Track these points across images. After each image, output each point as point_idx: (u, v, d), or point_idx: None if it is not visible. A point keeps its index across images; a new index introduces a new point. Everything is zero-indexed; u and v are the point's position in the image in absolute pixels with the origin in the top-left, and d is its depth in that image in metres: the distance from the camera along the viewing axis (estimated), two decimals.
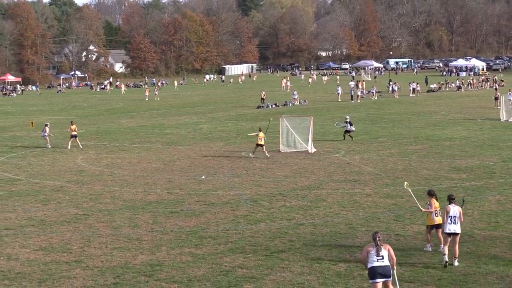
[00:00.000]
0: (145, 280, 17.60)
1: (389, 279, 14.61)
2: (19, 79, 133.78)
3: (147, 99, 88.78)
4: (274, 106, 71.67)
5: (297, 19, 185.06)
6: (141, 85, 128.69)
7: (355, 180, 30.59)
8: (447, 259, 18.16)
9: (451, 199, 18.49)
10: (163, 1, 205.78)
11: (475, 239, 20.88)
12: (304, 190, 28.77)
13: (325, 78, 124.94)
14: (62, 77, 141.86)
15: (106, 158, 39.09)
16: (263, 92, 75.15)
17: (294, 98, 75.09)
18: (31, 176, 33.67)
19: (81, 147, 43.28)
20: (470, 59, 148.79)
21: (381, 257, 14.52)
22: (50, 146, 43.77)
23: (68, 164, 37.18)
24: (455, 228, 18.18)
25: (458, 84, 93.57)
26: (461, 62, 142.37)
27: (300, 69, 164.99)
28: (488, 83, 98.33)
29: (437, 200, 19.51)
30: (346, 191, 28.39)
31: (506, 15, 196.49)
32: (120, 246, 20.81)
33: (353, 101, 76.10)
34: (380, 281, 14.51)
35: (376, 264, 14.51)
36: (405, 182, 20.46)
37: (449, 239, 18.22)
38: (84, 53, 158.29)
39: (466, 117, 56.94)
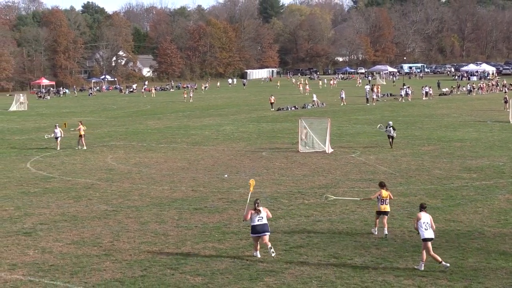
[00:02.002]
0: (171, 273, 17.65)
1: (267, 233, 18.63)
2: (53, 83, 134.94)
3: (185, 100, 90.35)
4: (293, 108, 71.55)
5: (316, 26, 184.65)
6: (168, 89, 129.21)
7: (370, 179, 30.48)
8: (422, 267, 17.52)
9: (422, 207, 18.06)
10: (188, 9, 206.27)
11: (485, 236, 20.74)
12: (321, 188, 28.70)
13: (360, 80, 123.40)
14: (93, 80, 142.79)
15: (134, 157, 39.24)
16: (273, 97, 73.61)
17: (314, 101, 74.92)
18: (64, 174, 33.87)
19: (85, 148, 43.07)
20: (481, 64, 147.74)
21: (261, 218, 18.59)
22: (59, 148, 43.03)
23: (98, 163, 37.36)
24: (428, 233, 17.71)
25: (469, 88, 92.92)
26: (472, 67, 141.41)
27: (318, 73, 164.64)
28: (498, 87, 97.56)
29: (386, 190, 21.09)
30: (361, 189, 28.29)
31: None
32: (147, 240, 20.89)
33: (368, 104, 75.79)
34: (261, 235, 18.55)
35: (257, 223, 18.56)
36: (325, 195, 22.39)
37: (428, 244, 17.66)
38: (114, 58, 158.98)
39: (477, 120, 56.56)
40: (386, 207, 21.01)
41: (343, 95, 77.78)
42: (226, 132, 51.50)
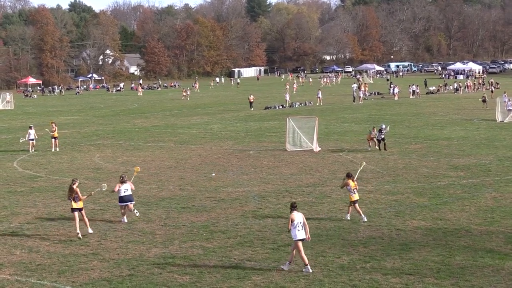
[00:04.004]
0: (159, 272, 17.63)
1: (132, 202, 23.22)
2: (40, 82, 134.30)
3: (183, 99, 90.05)
4: (281, 107, 71.54)
5: (303, 25, 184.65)
6: (155, 87, 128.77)
7: (357, 178, 30.36)
8: (310, 270, 17.43)
9: (293, 207, 17.80)
10: (175, 8, 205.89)
11: (472, 234, 20.83)
12: (309, 187, 28.75)
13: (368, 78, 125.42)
14: (80, 79, 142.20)
15: (121, 156, 39.15)
16: (252, 96, 72.69)
17: (286, 101, 73.94)
18: (51, 173, 33.76)
19: (57, 150, 41.72)
20: (467, 62, 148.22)
21: (126, 189, 23.05)
22: (33, 151, 41.41)
23: (85, 162, 37.25)
24: (302, 234, 17.55)
25: (455, 87, 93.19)
26: (458, 65, 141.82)
27: (305, 72, 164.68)
28: (484, 85, 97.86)
29: (353, 181, 22.98)
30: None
31: (502, 21, 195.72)
32: (135, 239, 20.86)
33: (355, 103, 75.88)
34: (127, 204, 22.96)
35: (123, 194, 22.99)
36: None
37: (300, 244, 17.53)
38: (101, 57, 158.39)
39: (464, 118, 56.76)
40: (357, 196, 23.01)
41: (320, 95, 76.68)
42: (213, 131, 51.46)
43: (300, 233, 17.49)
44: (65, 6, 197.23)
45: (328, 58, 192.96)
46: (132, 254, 19.32)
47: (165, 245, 20.17)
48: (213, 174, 32.07)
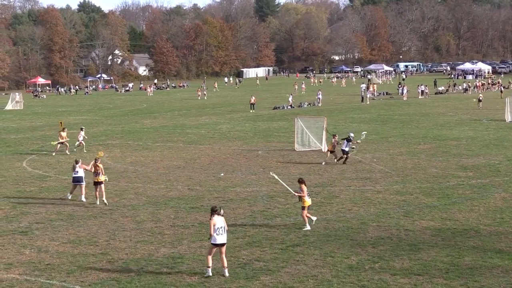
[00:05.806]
0: (167, 272, 17.65)
1: (81, 183, 26.33)
2: (49, 82, 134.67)
3: (199, 98, 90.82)
4: (289, 107, 71.49)
5: (312, 25, 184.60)
6: (164, 87, 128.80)
7: (366, 178, 30.50)
8: (210, 273, 17.24)
9: (214, 211, 17.42)
10: (184, 8, 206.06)
11: (481, 234, 20.77)
12: (317, 187, 28.71)
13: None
14: (89, 79, 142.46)
15: (130, 156, 39.20)
16: (253, 97, 70.99)
17: (289, 101, 73.44)
18: (60, 173, 33.83)
19: (67, 152, 40.51)
20: (477, 62, 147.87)
21: (76, 172, 26.31)
22: (85, 151, 40.97)
23: None
24: (222, 238, 17.31)
25: (465, 87, 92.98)
26: (467, 65, 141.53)
27: (314, 72, 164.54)
28: (494, 85, 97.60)
29: (305, 185, 22.22)
30: (357, 188, 28.31)
31: (511, 20, 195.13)
32: (143, 239, 20.89)
33: (363, 103, 75.75)
34: (76, 183, 26.44)
35: (73, 175, 26.33)
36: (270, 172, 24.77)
37: (215, 249, 17.34)
38: (110, 57, 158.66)
39: (473, 118, 56.63)
40: (310, 202, 22.46)
41: (320, 96, 75.70)
42: (222, 131, 51.47)
43: (220, 238, 17.26)
44: (74, 6, 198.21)
45: (337, 58, 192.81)
46: (140, 254, 19.35)
47: (174, 245, 20.19)
48: (222, 174, 32.08)
